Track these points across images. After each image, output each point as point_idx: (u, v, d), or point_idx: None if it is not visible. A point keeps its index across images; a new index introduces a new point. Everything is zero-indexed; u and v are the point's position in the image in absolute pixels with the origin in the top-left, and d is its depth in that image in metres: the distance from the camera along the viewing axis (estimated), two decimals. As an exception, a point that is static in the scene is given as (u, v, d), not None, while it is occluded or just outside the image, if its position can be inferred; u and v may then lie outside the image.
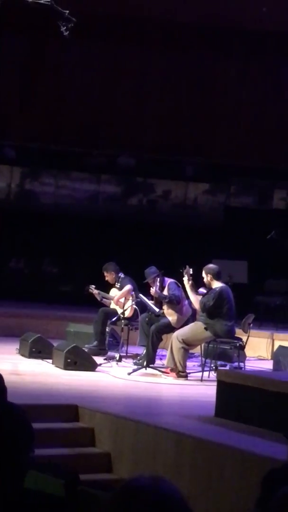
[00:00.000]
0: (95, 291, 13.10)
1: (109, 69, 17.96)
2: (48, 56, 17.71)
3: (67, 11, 13.77)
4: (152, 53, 17.97)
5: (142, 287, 12.39)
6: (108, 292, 13.19)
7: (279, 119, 17.96)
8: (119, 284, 13.02)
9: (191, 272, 10.96)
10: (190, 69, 17.96)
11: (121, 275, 13.06)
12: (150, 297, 11.92)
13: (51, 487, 3.69)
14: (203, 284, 11.18)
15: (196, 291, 11.03)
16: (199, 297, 10.96)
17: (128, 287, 12.76)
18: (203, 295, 11.01)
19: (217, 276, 11.04)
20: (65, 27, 13.86)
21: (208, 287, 11.06)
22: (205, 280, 11.05)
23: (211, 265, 11.23)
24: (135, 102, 17.97)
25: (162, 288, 11.79)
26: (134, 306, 12.53)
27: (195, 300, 10.95)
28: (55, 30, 13.25)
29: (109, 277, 13.08)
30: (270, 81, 17.97)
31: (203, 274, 11.06)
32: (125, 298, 12.68)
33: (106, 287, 13.27)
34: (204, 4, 17.09)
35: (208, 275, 11.00)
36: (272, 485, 2.32)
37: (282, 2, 16.84)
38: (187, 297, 11.51)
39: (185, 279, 10.97)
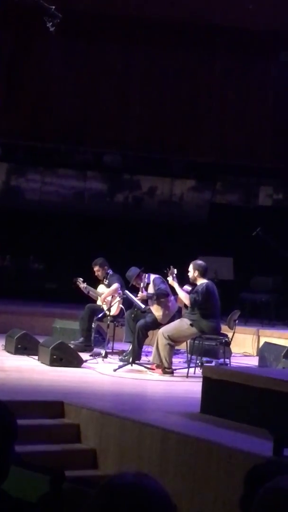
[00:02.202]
0: (82, 285, 13.08)
1: (94, 66, 17.94)
2: (33, 52, 17.67)
3: (53, 7, 13.75)
4: (138, 51, 17.96)
5: (129, 289, 12.39)
6: (95, 287, 13.18)
7: (264, 116, 17.99)
8: (107, 280, 13.01)
9: (175, 272, 11.01)
10: (175, 66, 17.96)
11: (110, 271, 13.05)
12: (136, 293, 11.93)
13: (35, 484, 3.70)
14: (187, 281, 11.21)
15: (181, 288, 11.07)
16: (187, 294, 10.99)
17: (115, 285, 12.75)
18: (189, 292, 11.05)
19: (203, 273, 11.11)
20: (51, 23, 13.83)
21: (193, 283, 11.11)
22: (190, 275, 11.10)
23: (199, 261, 11.29)
24: (120, 99, 17.95)
25: (147, 285, 11.81)
26: (121, 305, 12.54)
27: (184, 296, 10.98)
28: (40, 26, 13.22)
29: (99, 272, 13.05)
30: (255, 79, 18.00)
31: (190, 269, 11.10)
32: (112, 296, 12.68)
33: (93, 283, 13.26)
34: (189, 2, 17.09)
35: (196, 271, 11.05)
36: (255, 482, 2.33)
37: (267, 0, 16.86)
38: (173, 293, 11.54)
39: (170, 278, 11.02)
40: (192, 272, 11.09)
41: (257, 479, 2.35)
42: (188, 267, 11.18)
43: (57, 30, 12.73)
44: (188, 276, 11.19)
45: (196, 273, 11.06)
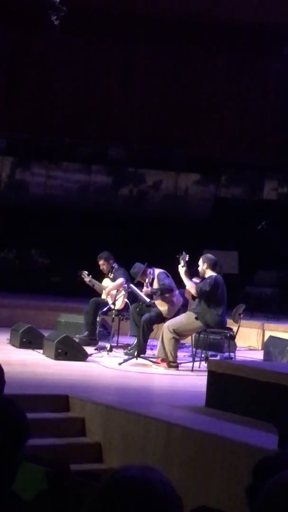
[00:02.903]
0: (87, 278, 13.07)
1: (99, 59, 17.92)
2: (37, 46, 17.65)
3: (58, 0, 13.74)
4: (141, 45, 17.94)
5: (134, 283, 12.38)
6: (100, 281, 13.17)
7: (268, 110, 17.97)
8: (112, 274, 12.99)
9: (187, 259, 11.01)
10: (178, 60, 17.93)
11: (115, 265, 13.02)
12: (141, 287, 11.93)
13: (39, 477, 3.69)
14: (196, 274, 11.22)
15: (190, 279, 11.07)
16: (194, 285, 10.99)
17: (120, 280, 12.71)
18: (197, 283, 11.06)
19: (213, 266, 11.16)
20: (55, 17, 13.84)
21: (202, 276, 11.13)
22: (200, 268, 11.14)
23: (209, 255, 11.39)
24: (125, 93, 17.94)
25: (152, 280, 11.80)
26: (126, 299, 12.53)
27: (190, 285, 10.98)
28: (43, 21, 13.24)
29: (105, 266, 13.02)
30: (258, 73, 17.97)
31: (200, 262, 11.16)
32: (117, 290, 12.66)
33: (98, 277, 13.25)
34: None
35: (205, 264, 11.11)
36: (263, 474, 2.32)
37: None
38: (179, 287, 11.55)
39: (180, 265, 11.00)
40: (201, 266, 11.13)
41: (266, 471, 2.34)
42: (192, 261, 11.19)
43: (61, 24, 12.74)
44: (196, 269, 11.20)
45: (205, 266, 11.10)
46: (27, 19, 16.85)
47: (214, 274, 11.10)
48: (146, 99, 17.99)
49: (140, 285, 12.10)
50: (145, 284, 11.80)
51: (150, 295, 11.79)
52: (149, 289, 11.69)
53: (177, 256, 11.09)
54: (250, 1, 16.32)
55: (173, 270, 11.29)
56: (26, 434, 2.56)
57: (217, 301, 10.96)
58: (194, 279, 11.17)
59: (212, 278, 10.98)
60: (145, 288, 11.75)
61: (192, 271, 11.24)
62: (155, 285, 11.78)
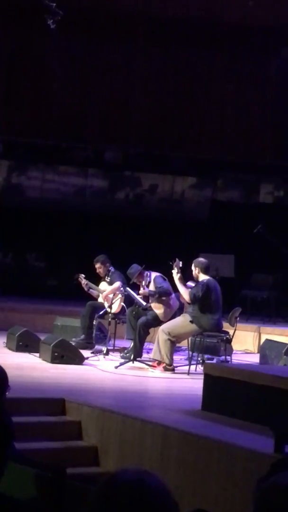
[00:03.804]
0: (84, 281, 13.08)
1: (95, 63, 17.93)
2: (33, 49, 17.65)
3: (54, 4, 13.75)
4: (138, 47, 17.94)
5: (130, 286, 12.38)
6: (97, 284, 13.16)
7: (265, 113, 17.98)
8: (109, 278, 12.99)
9: (180, 265, 11.01)
10: (175, 63, 17.94)
11: (111, 269, 13.03)
12: (137, 291, 11.94)
13: (36, 481, 3.70)
14: (191, 278, 11.24)
15: (184, 284, 11.08)
16: (188, 290, 11.00)
17: (117, 284, 12.71)
18: (191, 288, 11.07)
19: (205, 270, 11.14)
20: (52, 20, 13.85)
21: (196, 280, 11.14)
22: (193, 273, 11.14)
23: (200, 259, 11.34)
24: (121, 96, 17.94)
25: (148, 283, 11.81)
26: (122, 303, 12.53)
27: (184, 291, 10.99)
28: (41, 23, 13.24)
29: (101, 269, 13.03)
30: (255, 75, 17.98)
31: (192, 267, 11.15)
32: (114, 294, 12.66)
33: (94, 280, 13.26)
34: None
35: (197, 268, 11.11)
36: (280, 470, 2.33)
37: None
38: (175, 290, 11.56)
39: (174, 271, 11.01)
40: (194, 270, 11.13)
41: (284, 468, 2.35)
42: (188, 264, 11.20)
43: (58, 27, 12.74)
44: (190, 273, 11.22)
45: (197, 270, 11.10)
46: (25, 21, 16.85)
47: (206, 278, 11.10)
48: (143, 103, 17.99)
49: (135, 287, 12.11)
50: (142, 286, 11.81)
51: (146, 298, 11.80)
52: (147, 290, 11.70)
53: (170, 263, 11.11)
54: (247, 3, 16.35)
55: (170, 274, 11.30)
56: (12, 434, 2.57)
57: (211, 305, 10.94)
58: (189, 283, 11.19)
59: (204, 283, 10.96)
60: (142, 290, 11.76)
61: (188, 276, 11.25)
62: (151, 288, 11.79)
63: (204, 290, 10.87)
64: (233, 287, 14.64)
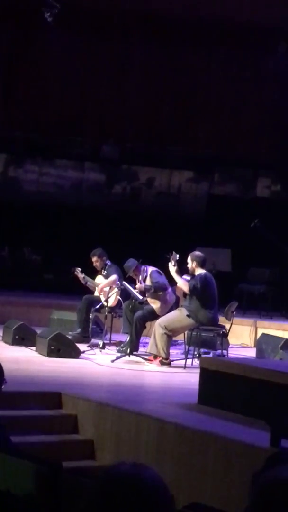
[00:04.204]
0: (80, 275, 13.07)
1: (93, 58, 17.91)
2: (32, 44, 17.63)
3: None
4: (136, 44, 17.92)
5: (126, 280, 12.38)
6: (93, 278, 13.16)
7: (261, 108, 17.98)
8: (105, 271, 12.99)
9: (177, 258, 11.01)
10: (173, 59, 17.93)
11: (108, 262, 13.02)
12: (134, 285, 11.93)
13: (32, 474, 3.69)
14: (187, 271, 11.23)
15: (181, 277, 11.07)
16: (186, 282, 10.99)
17: (113, 277, 12.71)
18: (188, 281, 11.07)
19: (201, 263, 11.14)
20: (49, 13, 13.83)
21: (192, 274, 11.13)
22: (189, 266, 11.14)
23: (197, 252, 11.31)
24: (118, 91, 17.93)
25: (145, 278, 11.81)
26: (118, 297, 12.53)
27: (182, 283, 10.97)
28: (39, 18, 13.22)
29: (98, 262, 13.01)
30: (252, 71, 17.98)
31: (188, 260, 11.14)
32: (110, 287, 12.66)
33: (91, 273, 13.25)
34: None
35: (194, 261, 11.09)
36: (276, 464, 2.33)
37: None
38: (171, 284, 11.56)
39: (171, 264, 11.00)
40: (190, 263, 11.12)
41: (279, 462, 2.35)
42: (185, 258, 11.19)
43: (56, 23, 12.72)
44: (186, 267, 11.21)
45: (194, 264, 11.08)
46: (23, 18, 16.81)
47: (203, 271, 11.11)
48: (140, 97, 17.98)
49: (132, 281, 12.11)
50: (138, 280, 11.81)
51: (143, 292, 11.80)
52: (143, 285, 11.70)
53: (167, 256, 11.10)
54: (243, 1, 16.34)
55: (166, 268, 11.30)
56: None
57: (208, 299, 10.96)
58: (185, 277, 11.18)
59: (201, 276, 10.98)
60: (138, 285, 11.76)
61: (184, 270, 11.25)
62: (148, 282, 11.79)
63: (203, 282, 10.88)
64: (229, 281, 14.64)
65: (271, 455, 2.60)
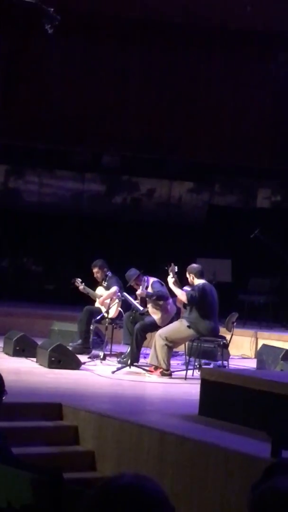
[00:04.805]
0: (80, 286, 13.07)
1: (93, 66, 17.94)
2: (31, 52, 17.65)
3: (52, 9, 13.77)
4: (136, 51, 17.95)
5: (126, 289, 12.39)
6: (94, 289, 13.16)
7: (262, 118, 17.99)
8: (106, 283, 12.98)
9: (176, 270, 11.02)
10: (173, 67, 17.96)
11: (109, 274, 13.01)
12: (134, 296, 11.93)
13: (33, 485, 3.69)
14: (187, 283, 11.24)
15: (180, 288, 11.08)
16: (184, 292, 10.99)
17: (114, 288, 12.70)
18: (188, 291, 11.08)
19: (199, 274, 11.16)
20: (49, 25, 13.86)
21: (192, 285, 11.14)
22: (189, 279, 11.17)
23: (193, 265, 11.35)
24: (118, 100, 17.95)
25: (146, 288, 11.81)
26: (119, 308, 12.53)
27: (180, 293, 10.98)
28: (39, 26, 13.25)
29: (99, 274, 13.01)
30: (253, 80, 18.00)
31: (187, 275, 11.17)
32: (111, 299, 12.65)
33: (92, 284, 13.25)
34: (188, 2, 17.10)
35: (191, 274, 11.13)
36: (273, 474, 2.32)
37: (265, 1, 16.87)
38: (172, 296, 11.56)
39: (170, 276, 11.02)
40: (189, 277, 11.16)
41: (276, 473, 2.34)
42: (185, 269, 11.21)
43: (56, 30, 12.75)
44: (186, 278, 11.23)
45: (192, 276, 11.14)
46: (23, 25, 16.85)
47: (202, 281, 11.13)
48: (140, 107, 18.00)
49: (132, 291, 12.10)
50: (137, 288, 11.76)
51: (144, 302, 11.79)
52: (144, 291, 11.66)
53: (166, 268, 11.12)
54: (245, 9, 16.37)
55: (165, 280, 11.30)
56: None
57: (207, 309, 10.95)
58: (185, 288, 11.18)
59: (200, 286, 10.99)
60: (139, 291, 11.69)
61: (185, 282, 11.25)
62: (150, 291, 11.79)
63: (201, 292, 10.89)
64: (230, 292, 14.64)
65: (269, 466, 2.60)
